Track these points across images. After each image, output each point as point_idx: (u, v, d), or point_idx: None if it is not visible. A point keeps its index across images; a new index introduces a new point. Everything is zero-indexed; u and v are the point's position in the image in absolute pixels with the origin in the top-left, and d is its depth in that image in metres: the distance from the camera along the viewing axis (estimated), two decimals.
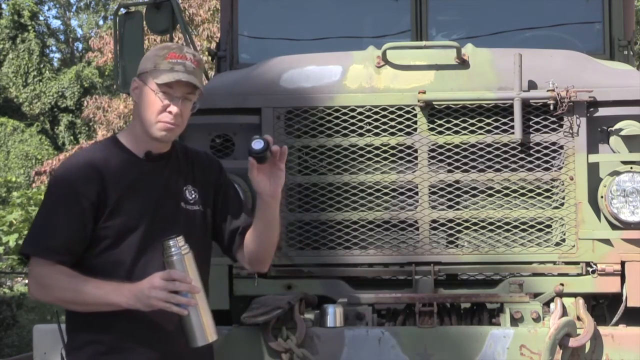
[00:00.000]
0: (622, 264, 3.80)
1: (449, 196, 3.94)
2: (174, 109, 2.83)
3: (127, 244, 2.80)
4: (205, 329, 2.72)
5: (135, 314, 2.74)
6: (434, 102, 3.92)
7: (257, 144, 2.76)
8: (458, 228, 3.93)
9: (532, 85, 3.91)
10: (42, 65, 31.32)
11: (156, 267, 2.77)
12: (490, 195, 3.94)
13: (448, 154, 3.93)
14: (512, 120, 3.86)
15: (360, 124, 3.97)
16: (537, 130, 3.91)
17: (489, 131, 3.92)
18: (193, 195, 2.97)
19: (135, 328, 2.79)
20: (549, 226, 3.94)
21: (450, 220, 3.92)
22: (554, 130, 3.90)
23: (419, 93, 3.90)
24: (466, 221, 3.92)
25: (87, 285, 2.71)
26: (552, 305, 3.66)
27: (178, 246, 2.70)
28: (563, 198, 3.88)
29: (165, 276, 2.66)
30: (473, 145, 3.93)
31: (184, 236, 2.79)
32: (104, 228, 2.79)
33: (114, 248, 2.80)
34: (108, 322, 2.77)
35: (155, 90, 2.82)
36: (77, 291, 2.72)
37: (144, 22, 5.04)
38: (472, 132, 3.93)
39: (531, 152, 3.92)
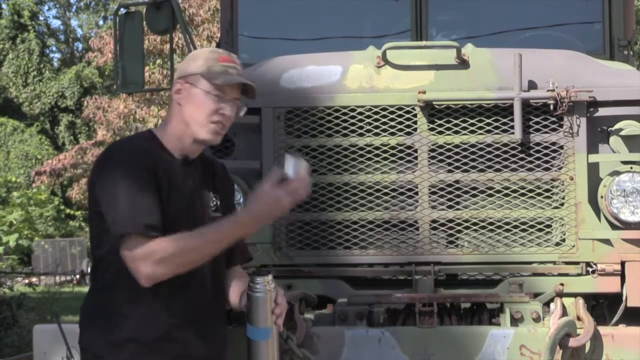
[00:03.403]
0: (622, 264, 3.80)
1: (449, 196, 3.94)
2: (227, 111, 2.87)
3: None
4: None
5: (175, 307, 2.78)
6: (434, 102, 3.92)
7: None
8: (458, 228, 3.93)
9: (532, 85, 3.91)
10: (42, 65, 31.36)
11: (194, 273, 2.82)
12: (490, 195, 3.94)
13: (448, 154, 3.93)
14: (512, 120, 3.86)
15: (360, 124, 3.97)
16: (537, 130, 3.91)
17: (489, 131, 3.92)
18: (215, 202, 3.00)
19: (177, 324, 2.81)
20: (549, 226, 3.94)
21: (450, 220, 3.92)
22: (554, 130, 3.90)
23: (419, 93, 3.90)
24: (466, 221, 3.92)
25: (216, 232, 2.74)
26: (552, 305, 3.66)
27: (264, 283, 2.76)
28: (563, 198, 3.88)
29: (274, 180, 2.71)
30: (473, 145, 3.93)
31: None
32: None
33: None
34: (149, 317, 2.77)
35: (208, 92, 2.84)
36: (212, 242, 2.73)
37: (144, 22, 5.04)
38: (472, 132, 3.93)
39: (531, 152, 3.91)
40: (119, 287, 2.80)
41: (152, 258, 2.69)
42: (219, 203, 3.00)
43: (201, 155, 3.00)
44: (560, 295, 3.77)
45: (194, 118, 2.86)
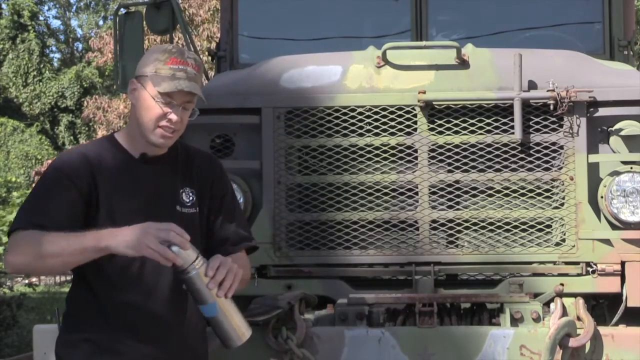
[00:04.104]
0: (622, 264, 3.80)
1: (449, 196, 3.94)
2: (174, 117, 2.78)
3: None
4: (236, 329, 2.77)
5: (134, 311, 2.76)
6: (434, 102, 3.92)
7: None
8: (458, 228, 3.93)
9: (532, 85, 3.91)
10: (42, 65, 31.32)
11: (156, 268, 2.78)
12: (490, 195, 3.94)
13: (448, 154, 3.93)
14: (512, 120, 3.86)
15: (360, 124, 3.97)
16: (537, 130, 3.91)
17: (489, 131, 3.92)
18: (190, 197, 2.93)
19: (134, 326, 2.79)
20: (549, 226, 3.94)
21: (450, 220, 3.92)
22: (554, 130, 3.90)
23: (419, 93, 3.90)
24: (466, 221, 3.92)
25: (75, 235, 2.63)
26: (552, 305, 3.66)
27: (192, 263, 2.68)
28: (563, 198, 3.88)
29: (163, 226, 2.58)
30: (473, 145, 3.93)
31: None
32: (97, 227, 2.72)
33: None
34: (104, 320, 2.77)
35: (155, 97, 2.77)
36: (66, 239, 2.61)
37: (144, 22, 5.04)
38: (472, 132, 3.93)
39: (531, 152, 3.92)
40: (79, 291, 2.85)
41: (18, 247, 2.70)
42: (194, 198, 2.93)
43: (174, 150, 2.94)
44: (560, 295, 3.77)
45: (143, 120, 2.81)
